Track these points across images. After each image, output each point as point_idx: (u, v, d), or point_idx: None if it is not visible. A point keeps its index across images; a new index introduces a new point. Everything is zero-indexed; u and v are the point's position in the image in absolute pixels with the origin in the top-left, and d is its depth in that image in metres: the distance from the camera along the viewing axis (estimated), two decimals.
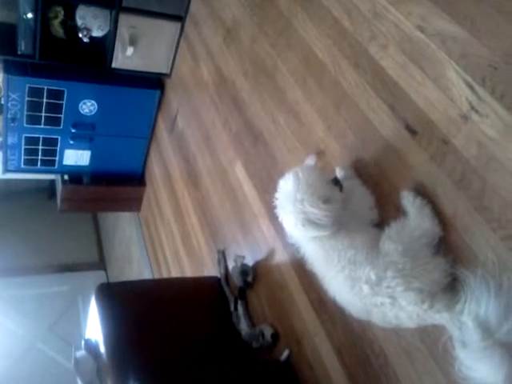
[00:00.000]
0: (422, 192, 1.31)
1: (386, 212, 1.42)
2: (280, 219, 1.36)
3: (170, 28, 2.95)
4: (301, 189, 1.28)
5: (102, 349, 1.82)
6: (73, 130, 3.20)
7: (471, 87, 1.20)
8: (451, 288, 1.20)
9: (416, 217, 1.27)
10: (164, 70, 3.17)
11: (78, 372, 1.82)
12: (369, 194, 1.45)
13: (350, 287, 1.25)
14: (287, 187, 1.31)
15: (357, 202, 1.42)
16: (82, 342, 1.93)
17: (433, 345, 1.29)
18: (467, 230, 1.21)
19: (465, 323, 1.11)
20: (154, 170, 3.55)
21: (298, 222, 1.28)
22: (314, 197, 1.27)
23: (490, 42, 1.16)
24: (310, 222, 1.27)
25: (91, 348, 1.89)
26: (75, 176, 3.56)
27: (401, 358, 1.39)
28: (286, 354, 1.86)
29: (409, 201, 1.30)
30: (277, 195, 1.35)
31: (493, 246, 1.15)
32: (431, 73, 1.31)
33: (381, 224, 1.39)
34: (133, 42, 2.90)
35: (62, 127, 3.17)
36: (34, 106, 2.99)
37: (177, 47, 3.05)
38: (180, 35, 2.99)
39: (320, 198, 1.27)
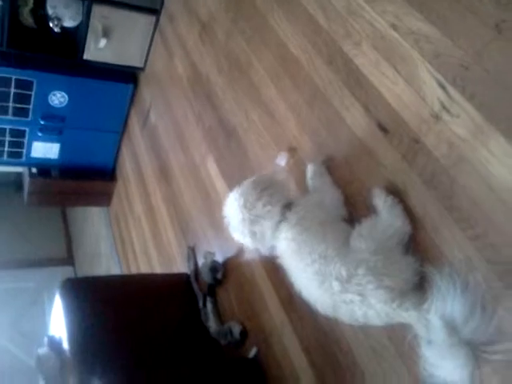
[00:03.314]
0: (393, 191, 1.31)
1: (357, 209, 1.42)
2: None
3: (144, 21, 2.91)
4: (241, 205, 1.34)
5: (66, 346, 1.77)
6: (42, 122, 3.12)
7: (443, 87, 1.20)
8: (420, 287, 1.21)
9: (387, 215, 1.28)
10: (138, 64, 3.11)
11: (39, 369, 1.77)
12: (339, 192, 1.46)
13: (320, 282, 1.24)
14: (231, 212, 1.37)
15: (327, 199, 1.42)
16: (45, 339, 1.88)
17: (400, 343, 1.29)
18: (436, 230, 1.22)
19: (431, 321, 1.12)
20: (126, 164, 3.50)
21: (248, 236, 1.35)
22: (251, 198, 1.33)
23: (462, 42, 1.17)
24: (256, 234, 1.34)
25: (54, 345, 1.83)
26: (43, 169, 3.48)
27: (368, 356, 1.39)
28: (254, 351, 1.84)
29: (380, 199, 1.30)
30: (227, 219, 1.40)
31: (461, 245, 1.15)
32: (404, 72, 1.31)
33: (352, 222, 1.38)
34: (106, 33, 2.84)
35: (30, 119, 3.09)
36: (1, 96, 2.90)
37: (151, 41, 3.00)
38: (155, 29, 2.95)
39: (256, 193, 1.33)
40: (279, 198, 1.35)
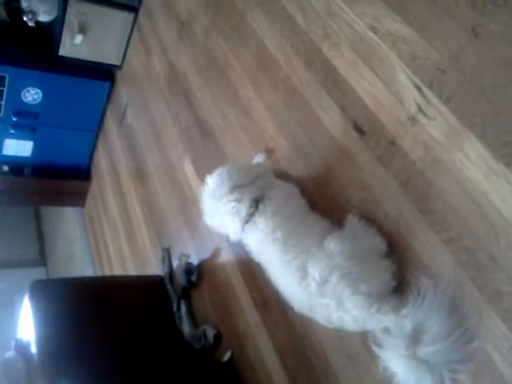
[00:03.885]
0: (369, 193, 1.31)
1: (334, 211, 1.40)
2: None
3: (122, 18, 2.85)
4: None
5: (34, 349, 1.72)
6: (14, 119, 3.03)
7: (419, 89, 1.20)
8: (399, 289, 1.20)
9: (363, 238, 1.26)
10: (115, 62, 3.06)
11: (5, 374, 1.70)
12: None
13: (300, 279, 1.21)
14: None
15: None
16: (12, 342, 1.81)
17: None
18: (411, 233, 1.21)
19: (405, 328, 1.11)
20: (101, 164, 3.43)
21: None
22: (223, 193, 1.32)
23: (439, 45, 1.17)
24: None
25: (22, 348, 1.77)
26: (16, 167, 3.38)
27: (342, 360, 1.38)
28: (228, 355, 1.82)
29: (353, 224, 1.29)
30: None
31: (436, 248, 1.15)
32: (382, 73, 1.31)
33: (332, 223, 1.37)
34: (82, 29, 2.77)
35: (2, 115, 3.00)
36: None
37: (129, 38, 2.95)
38: (133, 26, 2.90)
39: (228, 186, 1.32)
40: (250, 193, 1.33)
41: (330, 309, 1.18)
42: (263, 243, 1.30)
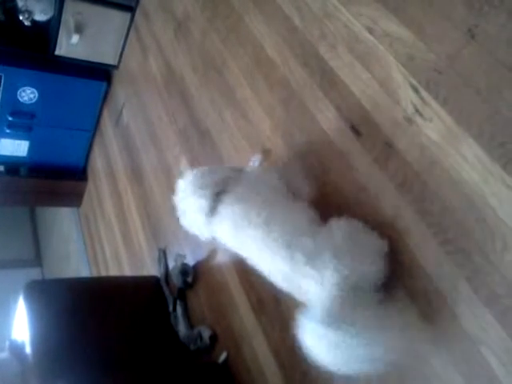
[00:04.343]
0: (365, 194, 1.31)
1: (330, 211, 1.40)
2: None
3: (119, 18, 2.85)
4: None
5: (28, 350, 1.71)
6: (10, 118, 3.02)
7: (416, 90, 1.20)
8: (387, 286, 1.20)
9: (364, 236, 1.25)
10: (111, 62, 3.05)
11: None
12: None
13: (286, 247, 1.19)
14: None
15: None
16: (7, 343, 1.80)
17: None
18: (408, 234, 1.21)
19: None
20: (97, 164, 3.42)
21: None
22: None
23: (436, 46, 1.17)
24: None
25: (16, 349, 1.76)
26: (11, 167, 3.36)
27: None
28: (223, 356, 1.81)
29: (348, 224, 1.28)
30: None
31: (432, 250, 1.15)
32: (378, 74, 1.30)
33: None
34: (79, 29, 2.76)
35: None
36: None
37: (126, 38, 2.94)
38: (130, 26, 2.89)
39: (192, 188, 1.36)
40: (213, 188, 1.34)
41: (311, 280, 1.15)
42: (238, 230, 1.29)
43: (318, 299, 1.14)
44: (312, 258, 1.15)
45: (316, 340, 1.08)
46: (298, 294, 1.22)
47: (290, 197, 1.41)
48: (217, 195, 1.33)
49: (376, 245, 1.22)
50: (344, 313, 1.08)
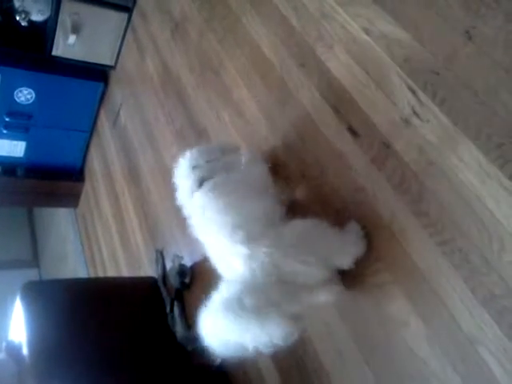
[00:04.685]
0: (362, 194, 1.31)
1: (327, 212, 1.40)
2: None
3: (116, 18, 2.84)
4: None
5: (25, 351, 1.70)
6: (6, 119, 3.01)
7: (413, 92, 1.20)
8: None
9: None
10: (108, 62, 3.04)
11: None
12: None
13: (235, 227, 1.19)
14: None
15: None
16: (3, 344, 1.80)
17: (365, 347, 1.29)
18: (404, 234, 1.21)
19: None
20: (94, 165, 3.42)
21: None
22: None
23: (433, 48, 1.17)
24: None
25: (13, 350, 1.76)
26: (8, 168, 3.35)
27: (335, 361, 1.38)
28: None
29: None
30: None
31: (428, 250, 1.15)
32: (375, 76, 1.31)
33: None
34: (75, 29, 2.76)
35: None
36: None
37: (123, 39, 2.94)
38: (127, 27, 2.88)
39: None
40: (200, 172, 1.35)
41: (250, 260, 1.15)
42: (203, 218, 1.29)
43: (241, 278, 1.15)
44: (252, 241, 1.15)
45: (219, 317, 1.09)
46: (227, 273, 1.22)
47: (268, 191, 1.40)
48: (201, 179, 1.33)
49: (329, 248, 1.22)
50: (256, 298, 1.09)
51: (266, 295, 1.10)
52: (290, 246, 1.16)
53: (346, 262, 1.24)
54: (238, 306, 1.06)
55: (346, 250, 1.24)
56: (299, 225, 1.24)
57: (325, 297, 1.22)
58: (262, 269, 1.13)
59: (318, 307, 1.27)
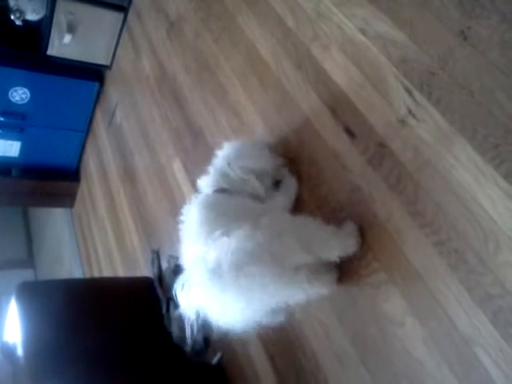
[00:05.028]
0: (359, 194, 1.31)
1: (323, 212, 1.40)
2: None
3: (111, 18, 2.83)
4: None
5: (20, 352, 1.69)
6: (1, 119, 3.00)
7: (409, 92, 1.20)
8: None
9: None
10: (104, 62, 3.03)
11: None
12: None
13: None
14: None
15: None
16: None
17: (363, 349, 1.29)
18: (401, 235, 1.21)
19: None
20: (90, 165, 3.41)
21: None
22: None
23: (429, 48, 1.17)
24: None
25: (8, 351, 1.75)
26: (3, 168, 3.34)
27: (332, 362, 1.38)
28: (217, 357, 1.81)
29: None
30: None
31: (424, 250, 1.15)
32: (371, 76, 1.31)
33: None
34: (71, 29, 2.75)
35: None
36: None
37: (118, 38, 2.93)
38: (122, 26, 2.88)
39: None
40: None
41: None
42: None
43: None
44: (228, 230, 1.17)
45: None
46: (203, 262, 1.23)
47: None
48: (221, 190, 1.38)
49: (316, 238, 1.22)
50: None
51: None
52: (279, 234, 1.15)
53: (333, 254, 1.22)
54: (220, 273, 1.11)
55: (334, 242, 1.23)
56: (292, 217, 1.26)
57: (318, 288, 1.22)
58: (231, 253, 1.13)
59: (312, 301, 1.25)
